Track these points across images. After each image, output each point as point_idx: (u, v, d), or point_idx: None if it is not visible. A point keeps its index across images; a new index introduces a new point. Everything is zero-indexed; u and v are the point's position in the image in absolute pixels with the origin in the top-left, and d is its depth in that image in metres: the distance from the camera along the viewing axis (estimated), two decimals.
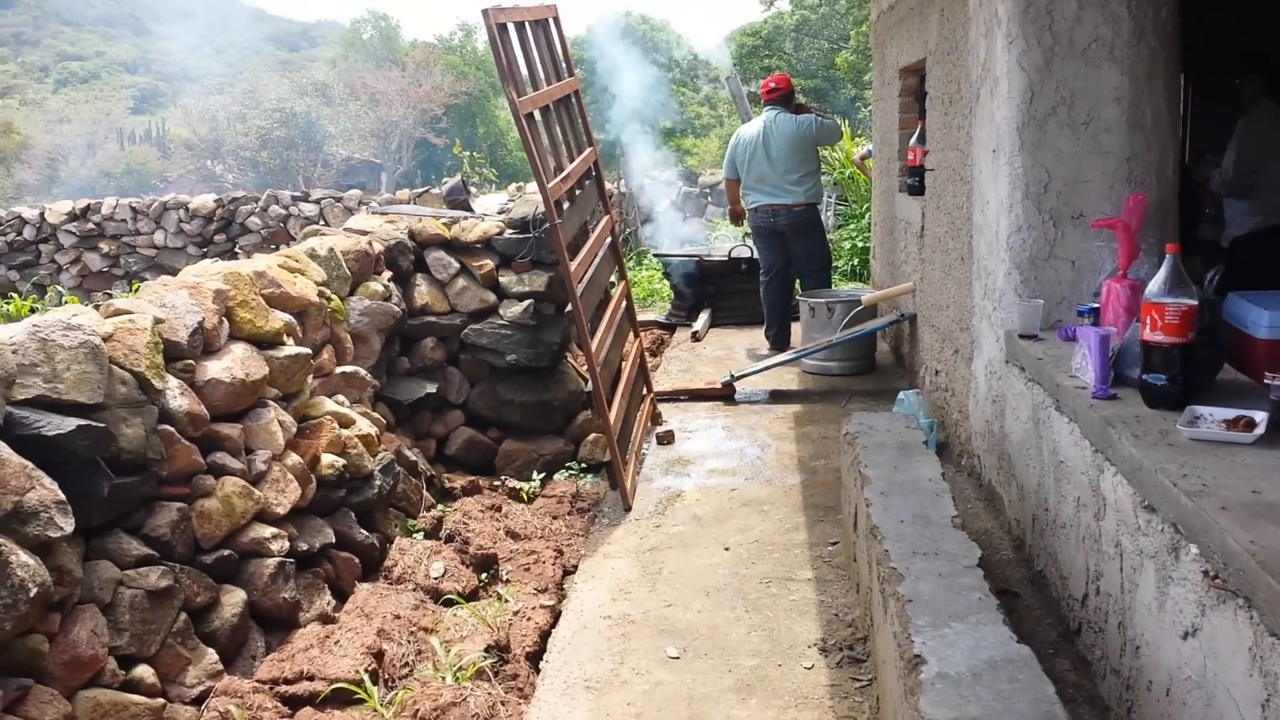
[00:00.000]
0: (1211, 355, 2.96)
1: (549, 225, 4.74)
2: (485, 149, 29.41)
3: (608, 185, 6.43)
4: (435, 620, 3.90)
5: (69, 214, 13.07)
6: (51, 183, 31.87)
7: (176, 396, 3.52)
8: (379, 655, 3.51)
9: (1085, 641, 3.07)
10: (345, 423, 4.44)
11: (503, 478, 5.62)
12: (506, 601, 4.04)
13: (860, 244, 10.94)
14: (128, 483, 3.25)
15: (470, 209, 6.69)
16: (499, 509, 5.00)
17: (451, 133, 30.45)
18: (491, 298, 5.89)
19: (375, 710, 3.30)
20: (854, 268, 10.86)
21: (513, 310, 5.82)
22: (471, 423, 5.91)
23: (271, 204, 13.01)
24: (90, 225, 13.04)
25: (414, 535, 4.66)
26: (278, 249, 5.03)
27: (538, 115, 5.05)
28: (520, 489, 5.42)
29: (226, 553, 3.59)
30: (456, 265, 5.91)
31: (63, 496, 2.90)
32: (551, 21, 5.62)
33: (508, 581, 4.26)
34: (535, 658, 3.66)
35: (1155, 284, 2.79)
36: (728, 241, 10.47)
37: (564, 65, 5.74)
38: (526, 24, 5.09)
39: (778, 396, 6.47)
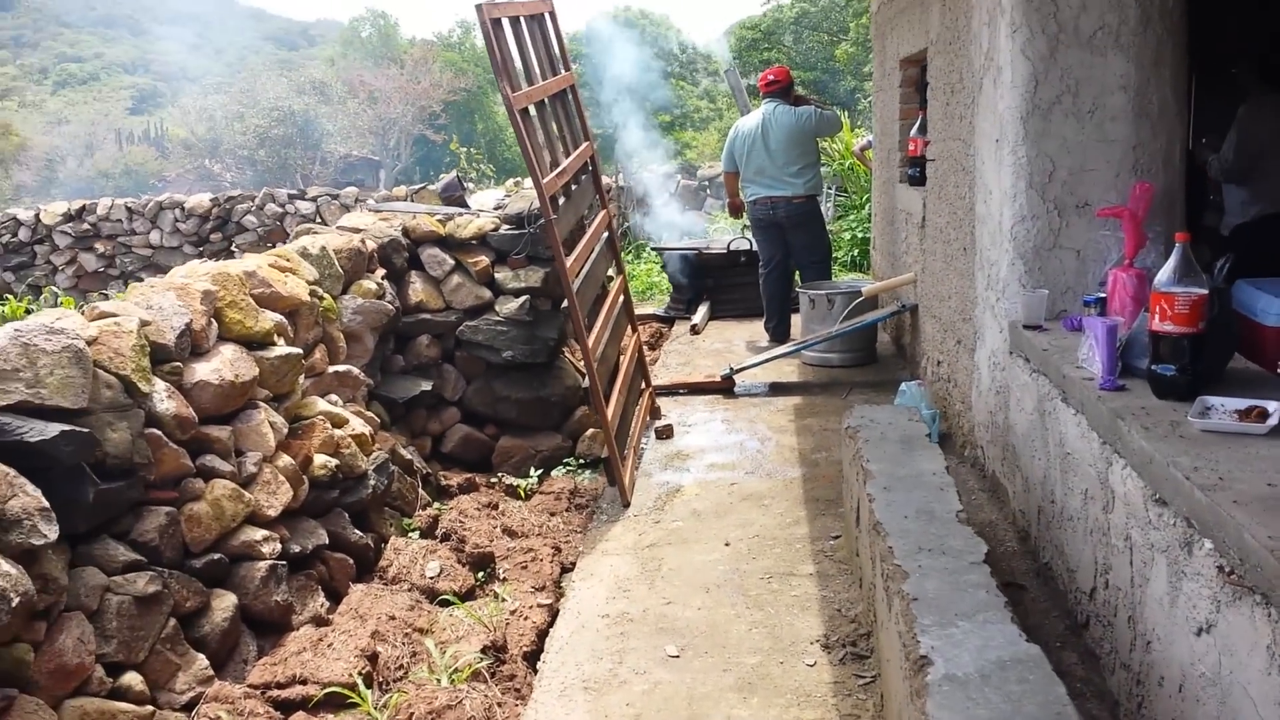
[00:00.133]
0: (1222, 345, 2.90)
1: (545, 221, 4.67)
2: (483, 145, 29.38)
3: (605, 180, 6.36)
4: (431, 621, 3.83)
5: (64, 215, 13.02)
6: (50, 184, 31.79)
7: (164, 399, 3.46)
8: (373, 657, 3.44)
9: (1093, 635, 3.00)
10: (338, 422, 4.37)
11: (499, 475, 5.55)
12: (503, 601, 3.97)
13: (860, 235, 10.87)
14: (114, 488, 3.18)
15: (466, 205, 6.63)
16: (496, 506, 4.93)
17: (450, 129, 30.36)
18: (487, 294, 5.82)
19: (369, 714, 3.23)
20: (854, 258, 10.79)
21: (509, 306, 5.75)
22: (467, 420, 5.84)
23: (268, 202, 12.94)
24: (86, 226, 13.00)
25: (409, 534, 4.60)
26: (274, 248, 4.96)
27: (533, 110, 4.98)
28: (517, 486, 5.35)
29: (216, 556, 3.53)
30: (451, 262, 5.84)
31: (46, 504, 2.83)
32: (547, 16, 5.54)
33: (504, 580, 4.19)
34: (533, 658, 3.59)
35: (1165, 273, 2.72)
36: (726, 234, 10.40)
37: (560, 60, 5.67)
38: (521, 19, 5.02)
39: (778, 389, 6.41)
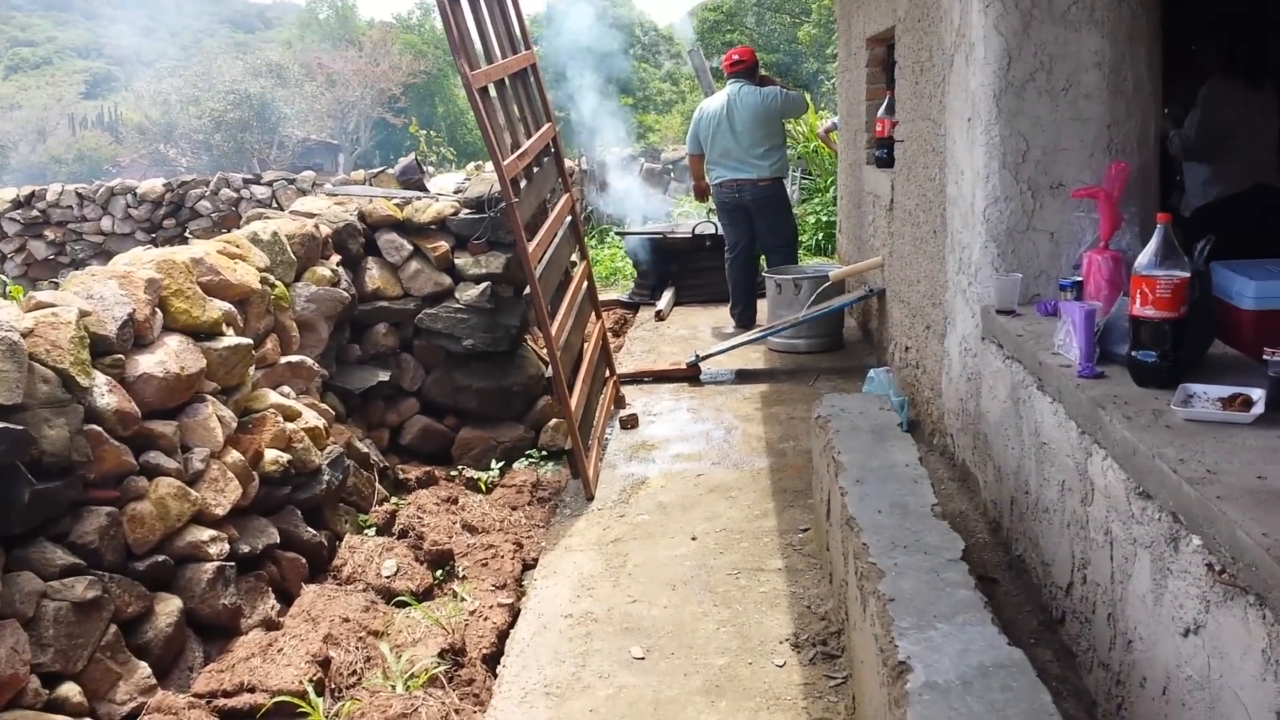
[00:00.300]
0: (1203, 330, 2.81)
1: (505, 204, 4.52)
2: (444, 129, 29.03)
3: (568, 163, 6.21)
4: (386, 622, 3.68)
5: (13, 201, 12.67)
6: (1, 170, 31.09)
7: (104, 394, 3.29)
8: (325, 663, 3.29)
9: (1070, 632, 2.92)
10: (290, 415, 4.21)
11: (460, 467, 5.40)
12: (463, 600, 3.83)
13: (825, 218, 10.77)
14: (51, 488, 3.01)
15: (425, 189, 6.44)
16: (455, 501, 4.78)
17: (410, 112, 29.96)
18: (447, 281, 5.65)
19: None
20: (818, 242, 10.69)
21: (469, 293, 5.59)
22: (427, 411, 5.68)
23: (222, 187, 12.65)
24: (35, 212, 12.66)
25: (365, 532, 4.44)
26: (229, 233, 4.77)
27: (492, 90, 4.83)
28: (478, 479, 5.20)
29: (161, 558, 3.36)
30: (410, 248, 5.67)
31: None
32: None
33: (464, 578, 4.05)
34: (493, 660, 3.45)
35: (1146, 255, 2.62)
36: (691, 218, 10.27)
37: (520, 38, 5.51)
38: None
39: (744, 376, 6.30)
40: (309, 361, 4.71)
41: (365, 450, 4.89)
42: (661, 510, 4.33)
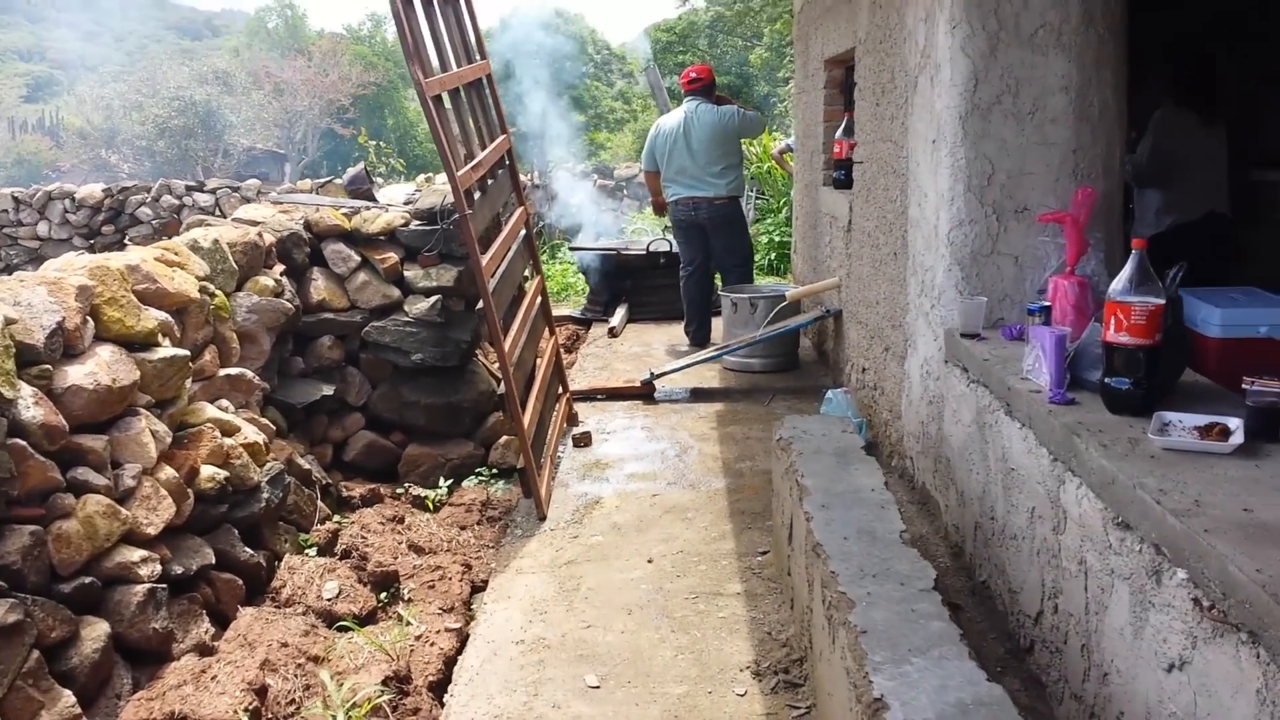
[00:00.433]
0: (1175, 358, 2.76)
1: (459, 216, 4.39)
2: (394, 140, 28.73)
3: (522, 177, 6.09)
4: (328, 648, 3.52)
5: None
6: None
7: (30, 406, 3.10)
8: (262, 691, 3.12)
9: (1039, 661, 2.85)
10: (229, 430, 4.03)
11: (406, 485, 5.24)
12: (408, 625, 3.67)
13: (778, 239, 10.75)
14: None
15: (374, 199, 6.29)
16: (401, 520, 4.62)
17: (359, 123, 29.61)
18: (395, 293, 5.50)
19: None
20: (770, 262, 10.66)
21: (419, 306, 5.44)
22: (372, 426, 5.51)
23: (164, 194, 12.35)
24: None
25: (306, 552, 4.26)
26: (168, 240, 4.59)
27: (446, 99, 4.70)
28: (425, 497, 5.04)
29: (88, 580, 3.17)
30: (357, 259, 5.51)
31: None
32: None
33: (410, 601, 3.89)
34: (440, 689, 3.30)
35: (1120, 281, 2.57)
36: (645, 234, 10.19)
37: (475, 47, 5.39)
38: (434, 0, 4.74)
39: (699, 395, 6.21)
40: (249, 374, 4.53)
41: (307, 467, 4.72)
42: (616, 531, 4.21)
